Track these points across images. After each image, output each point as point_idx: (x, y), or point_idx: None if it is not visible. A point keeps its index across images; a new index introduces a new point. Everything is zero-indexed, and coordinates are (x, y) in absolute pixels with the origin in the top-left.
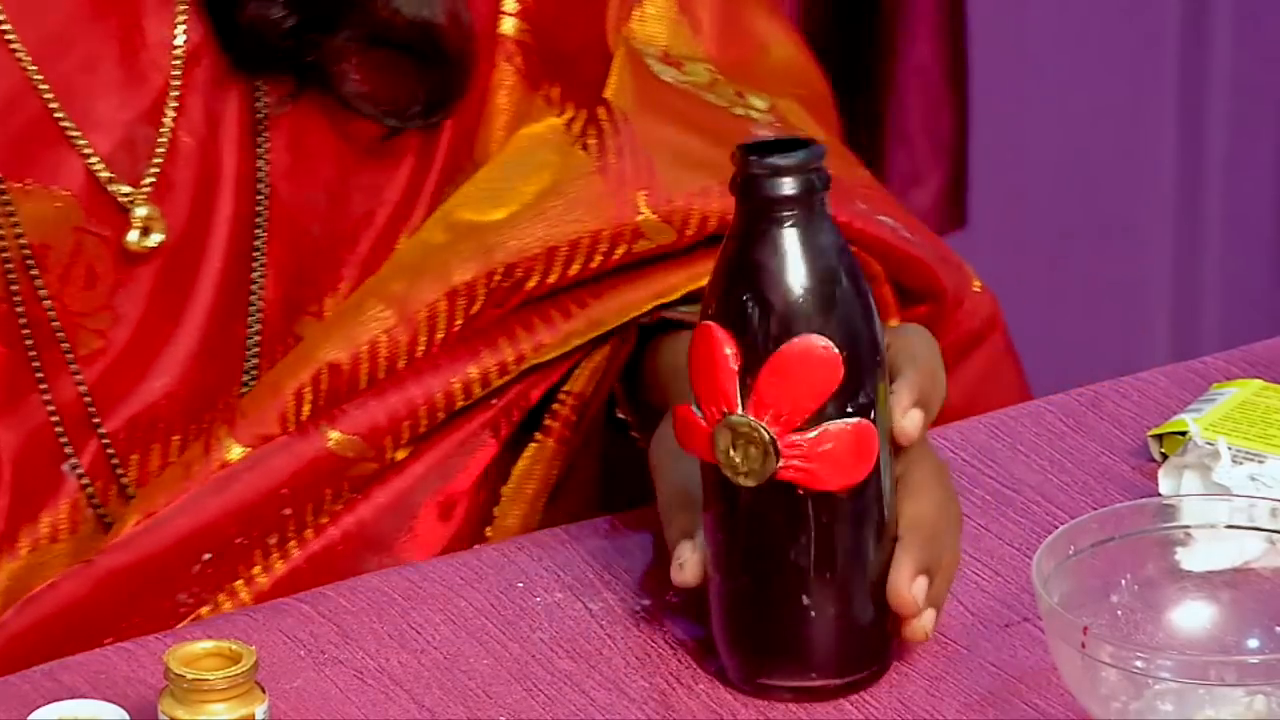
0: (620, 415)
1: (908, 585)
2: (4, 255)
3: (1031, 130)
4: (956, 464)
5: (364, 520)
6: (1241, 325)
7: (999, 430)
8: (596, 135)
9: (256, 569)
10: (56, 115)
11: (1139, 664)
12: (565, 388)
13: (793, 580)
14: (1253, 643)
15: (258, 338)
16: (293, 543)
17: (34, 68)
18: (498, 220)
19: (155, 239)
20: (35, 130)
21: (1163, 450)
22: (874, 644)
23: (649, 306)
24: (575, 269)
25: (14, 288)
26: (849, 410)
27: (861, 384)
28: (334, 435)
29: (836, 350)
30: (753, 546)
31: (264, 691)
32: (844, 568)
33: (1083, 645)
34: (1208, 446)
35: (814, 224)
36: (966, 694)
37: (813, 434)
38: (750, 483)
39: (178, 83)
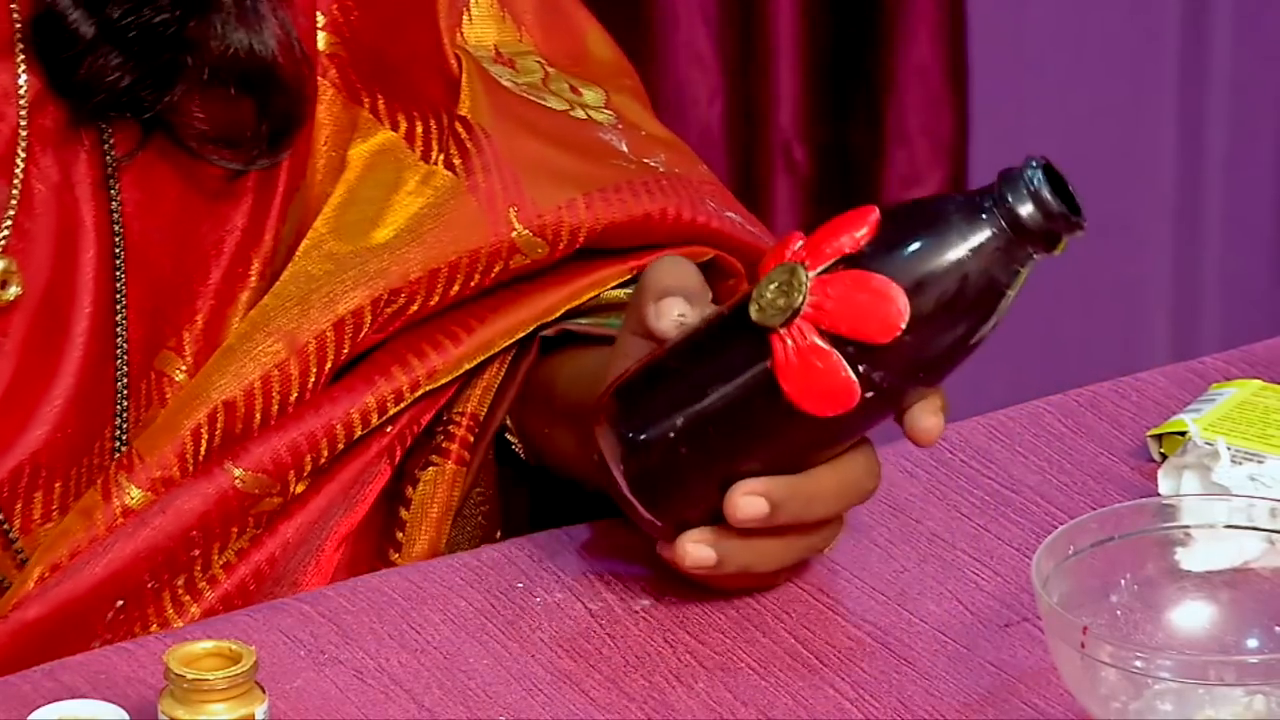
0: (509, 438)
1: (744, 494)
2: None
3: (1031, 130)
4: (955, 464)
5: (274, 557)
6: (1241, 325)
7: (998, 431)
8: (460, 155)
9: (170, 611)
10: None
11: (1138, 664)
12: (458, 409)
13: (693, 415)
14: (1252, 643)
15: (125, 379)
16: (203, 583)
17: None
18: (375, 245)
19: (13, 292)
20: None
21: (1162, 450)
22: (685, 513)
23: (533, 327)
24: (455, 289)
25: None
26: (875, 373)
27: (901, 362)
28: (238, 472)
29: (904, 322)
30: (702, 372)
31: (264, 691)
32: (736, 436)
33: (1082, 645)
34: (1207, 447)
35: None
36: (966, 694)
37: (820, 343)
38: (755, 314)
39: (24, 131)
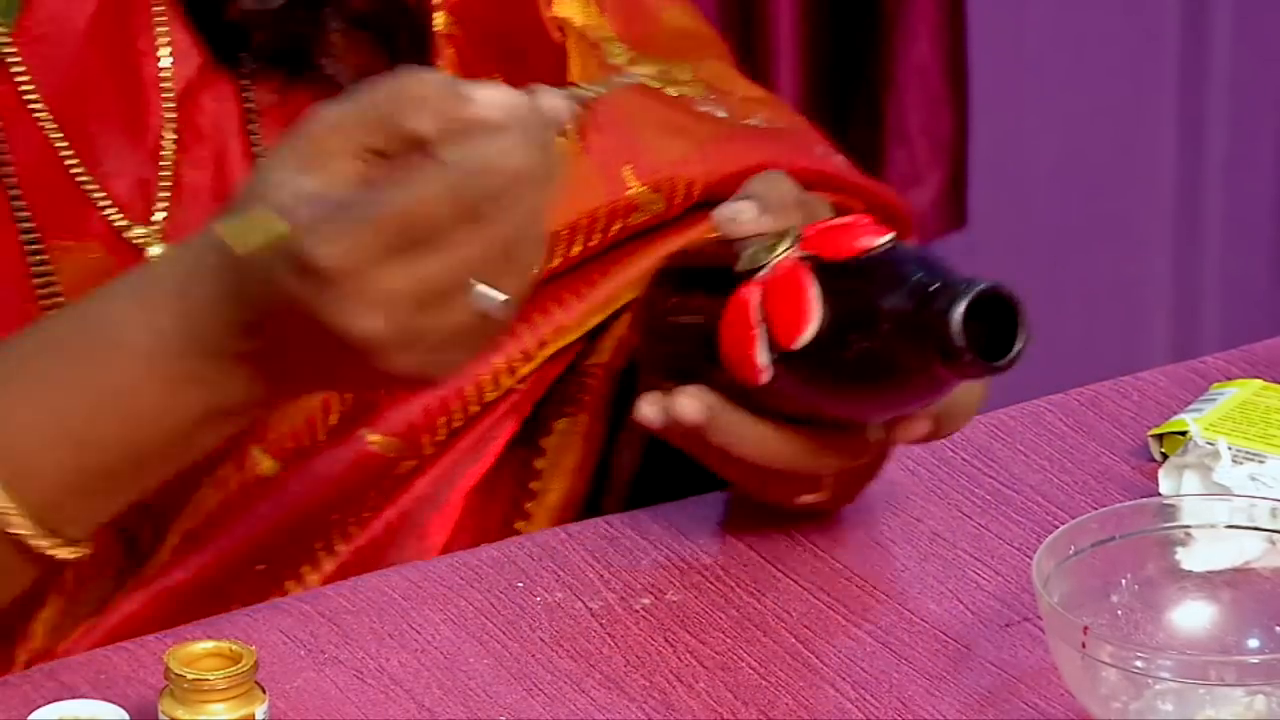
0: None
1: (689, 395)
2: (49, 309)
3: (1031, 130)
4: (956, 463)
5: (406, 510)
6: (1241, 325)
7: (999, 430)
8: (577, 123)
9: (305, 568)
10: (74, 170)
11: (1139, 664)
12: (592, 360)
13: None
14: (1253, 643)
15: None
16: (339, 542)
17: (53, 124)
18: None
19: None
20: (61, 188)
21: (1163, 450)
22: None
23: None
24: (577, 250)
25: None
26: (779, 366)
27: (798, 374)
28: (373, 438)
29: (799, 342)
30: (692, 290)
31: (264, 691)
32: (699, 353)
33: (1083, 645)
34: (1208, 446)
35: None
36: (966, 694)
37: (751, 314)
38: (741, 258)
39: (171, 107)
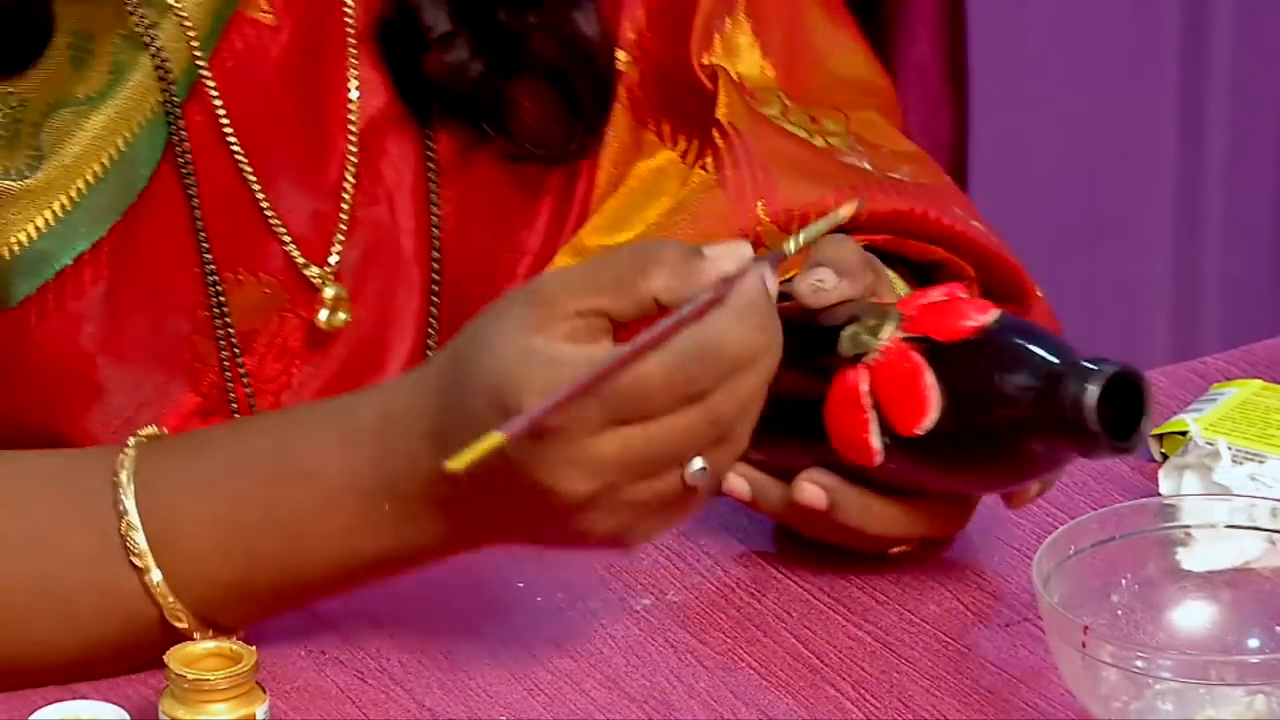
0: None
1: (807, 479)
2: (219, 341)
3: (1031, 130)
4: None
5: None
6: (1241, 325)
7: None
8: (713, 153)
9: None
10: (261, 203)
11: (1139, 664)
12: None
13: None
14: (1253, 643)
15: None
16: None
17: (241, 154)
18: (626, 240)
19: (341, 318)
20: (243, 220)
21: (1163, 450)
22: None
23: None
24: None
25: (224, 365)
26: (893, 450)
27: (916, 459)
28: None
29: (920, 430)
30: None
31: (264, 691)
32: (801, 429)
33: (1083, 645)
34: (1208, 447)
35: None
36: (966, 694)
37: (863, 398)
38: (844, 340)
39: (354, 150)
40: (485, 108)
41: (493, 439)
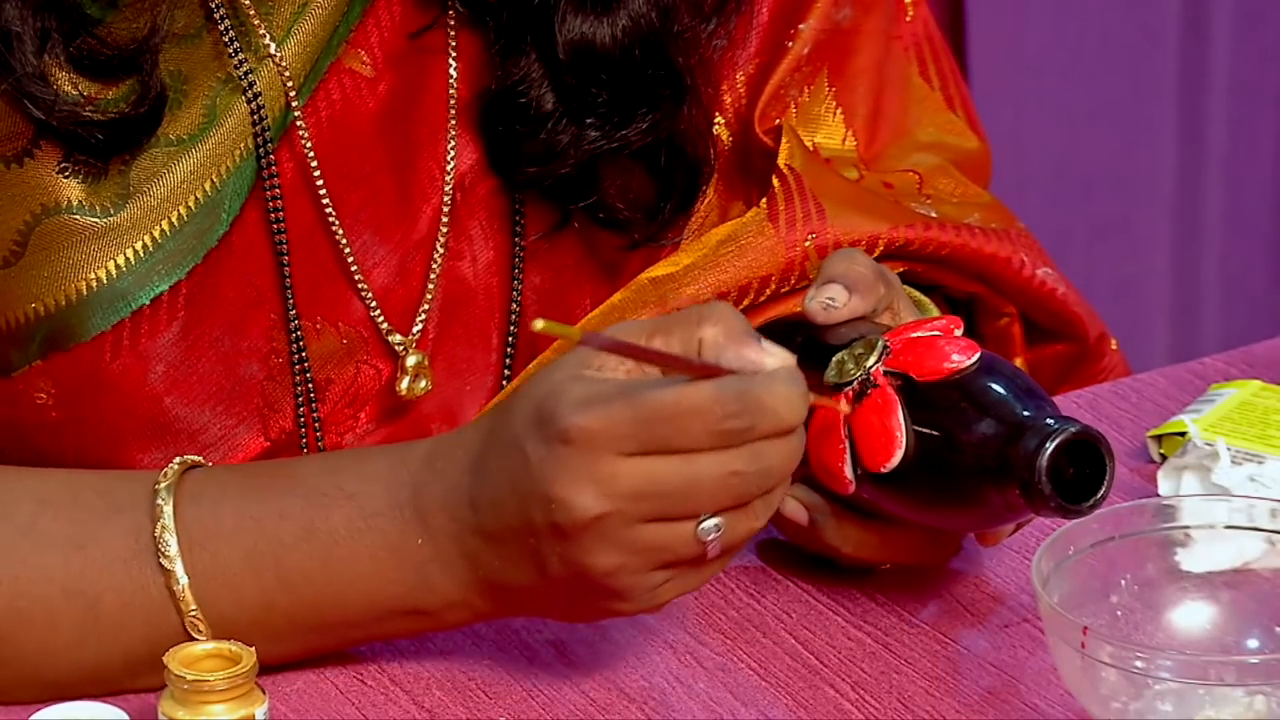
0: None
1: (792, 496)
2: (295, 388)
3: (1031, 130)
4: None
5: None
6: (1241, 325)
7: None
8: (769, 193)
9: None
10: (345, 253)
11: (1139, 664)
12: None
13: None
14: (1252, 643)
15: None
16: None
17: (328, 202)
18: (675, 273)
19: (423, 385)
20: (325, 270)
21: (1162, 451)
22: None
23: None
24: (740, 306)
25: (299, 412)
26: (864, 483)
27: (885, 492)
28: None
29: (887, 468)
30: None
31: (264, 692)
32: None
33: (1083, 645)
34: (1207, 447)
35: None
36: (966, 694)
37: (841, 431)
38: (830, 370)
39: (445, 215)
40: (578, 188)
41: (573, 331)
